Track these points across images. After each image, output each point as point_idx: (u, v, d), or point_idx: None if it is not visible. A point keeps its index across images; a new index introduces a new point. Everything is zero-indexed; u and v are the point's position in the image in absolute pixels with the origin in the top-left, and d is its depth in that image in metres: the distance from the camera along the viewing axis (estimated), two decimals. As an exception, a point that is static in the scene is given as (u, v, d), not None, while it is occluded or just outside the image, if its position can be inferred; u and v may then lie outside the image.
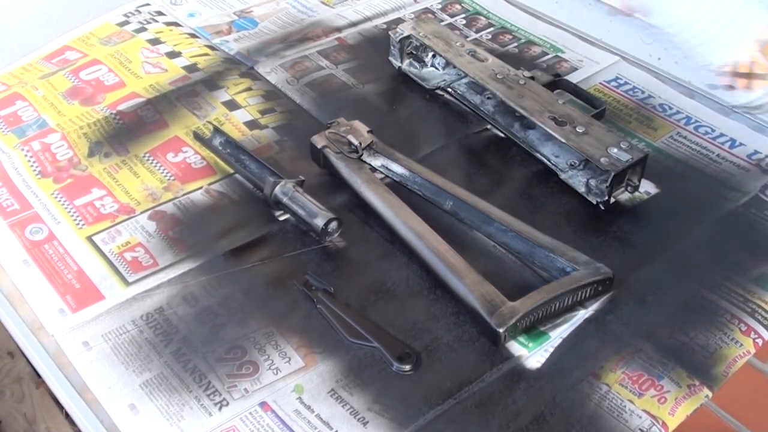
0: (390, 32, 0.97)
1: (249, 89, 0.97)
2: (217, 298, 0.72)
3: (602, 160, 0.79)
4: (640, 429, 0.63)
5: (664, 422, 0.64)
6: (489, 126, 0.91)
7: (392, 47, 0.97)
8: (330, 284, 0.72)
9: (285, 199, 0.78)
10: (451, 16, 1.11)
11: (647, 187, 0.83)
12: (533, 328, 0.70)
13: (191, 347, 0.68)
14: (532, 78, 0.90)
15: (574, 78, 0.97)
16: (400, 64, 0.97)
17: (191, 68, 0.99)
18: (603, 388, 0.66)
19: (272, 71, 0.99)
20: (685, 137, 0.90)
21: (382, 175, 0.83)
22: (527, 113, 0.85)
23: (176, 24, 1.08)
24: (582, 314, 0.71)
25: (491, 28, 1.08)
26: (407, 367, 0.66)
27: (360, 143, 0.82)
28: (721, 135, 0.90)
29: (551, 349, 0.69)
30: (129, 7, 1.11)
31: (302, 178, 0.80)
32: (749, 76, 0.54)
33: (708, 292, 0.73)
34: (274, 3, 1.12)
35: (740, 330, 0.70)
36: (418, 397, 0.65)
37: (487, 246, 0.77)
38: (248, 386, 0.65)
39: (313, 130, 0.85)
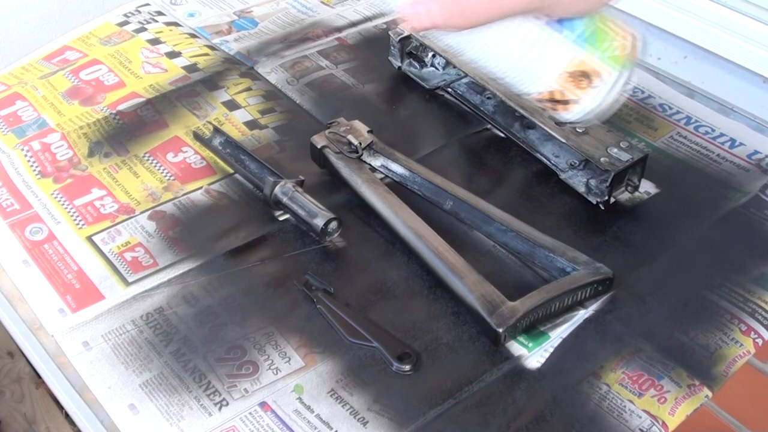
0: (390, 32, 0.97)
1: (249, 89, 0.97)
2: (217, 298, 0.72)
3: (602, 160, 0.79)
4: (640, 429, 0.63)
5: (664, 422, 0.64)
6: (489, 126, 0.91)
7: (392, 47, 0.97)
8: (330, 284, 0.72)
9: (285, 199, 0.78)
10: (451, 16, 1.10)
11: (647, 187, 0.83)
12: (533, 328, 0.70)
13: (191, 347, 0.68)
14: (532, 78, 0.90)
15: (574, 78, 0.97)
16: (400, 64, 0.97)
17: (191, 68, 0.99)
18: (603, 388, 0.66)
19: (272, 71, 0.99)
20: (685, 137, 0.90)
21: (382, 175, 0.83)
22: (527, 113, 0.85)
23: (176, 24, 1.08)
24: (582, 314, 0.71)
25: (491, 28, 1.08)
26: (407, 367, 0.66)
27: (360, 143, 0.82)
28: (721, 135, 0.90)
29: (551, 349, 0.69)
30: (129, 7, 1.11)
31: (302, 178, 0.80)
32: (565, 102, 0.58)
33: (708, 292, 0.73)
34: (274, 3, 1.12)
35: (740, 330, 0.70)
36: (418, 397, 0.65)
37: (487, 246, 0.77)
38: (248, 386, 0.66)
39: (313, 130, 0.85)
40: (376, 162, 0.83)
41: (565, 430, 0.63)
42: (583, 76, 0.57)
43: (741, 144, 0.89)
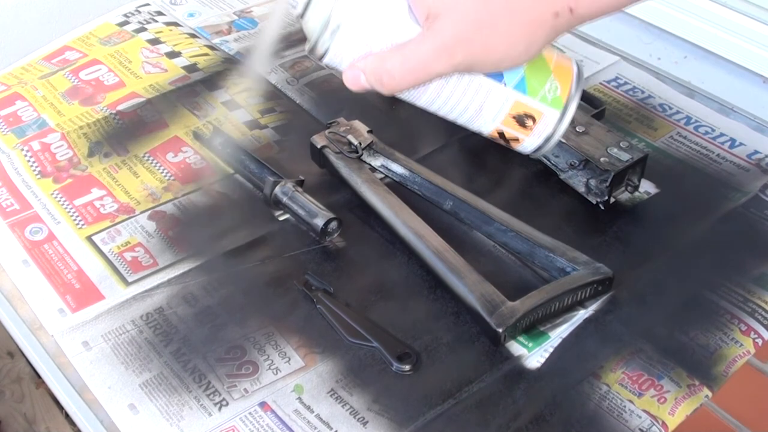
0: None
1: (249, 89, 0.96)
2: (217, 298, 0.72)
3: (602, 160, 0.79)
4: (640, 429, 0.63)
5: (664, 422, 0.64)
6: (489, 126, 0.91)
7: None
8: (330, 284, 0.72)
9: (285, 199, 0.78)
10: (451, 16, 1.10)
11: (647, 187, 0.83)
12: (533, 328, 0.70)
13: (191, 347, 0.68)
14: (532, 78, 0.90)
15: (574, 78, 0.97)
16: (400, 64, 0.97)
17: (191, 68, 0.99)
18: (603, 388, 0.66)
19: (272, 71, 0.99)
20: (685, 137, 0.90)
21: (382, 175, 0.83)
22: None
23: (176, 24, 1.08)
24: (582, 314, 0.71)
25: (491, 28, 1.08)
26: (407, 367, 0.66)
27: (360, 143, 0.82)
28: (721, 135, 0.90)
29: (551, 349, 0.69)
30: (129, 7, 1.11)
31: (302, 178, 0.80)
32: (515, 140, 0.61)
33: (708, 292, 0.73)
34: (274, 3, 1.12)
35: (740, 330, 0.70)
36: (418, 397, 0.65)
37: (487, 246, 0.77)
38: (248, 386, 0.66)
39: (313, 130, 0.85)
40: (376, 162, 0.83)
41: (565, 430, 0.63)
42: (526, 117, 0.60)
43: (741, 144, 0.89)
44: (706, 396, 0.66)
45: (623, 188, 0.81)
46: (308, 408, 0.64)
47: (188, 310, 0.71)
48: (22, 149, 0.88)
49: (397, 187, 0.81)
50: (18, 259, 0.76)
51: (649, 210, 0.82)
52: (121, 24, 1.07)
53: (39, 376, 0.78)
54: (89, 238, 0.78)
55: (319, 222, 0.75)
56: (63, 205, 0.81)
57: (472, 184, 0.82)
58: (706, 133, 0.91)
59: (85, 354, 0.68)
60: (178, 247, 0.77)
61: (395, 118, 0.93)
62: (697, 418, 0.65)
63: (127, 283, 0.74)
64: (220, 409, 0.64)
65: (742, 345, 0.69)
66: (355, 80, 0.58)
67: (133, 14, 1.10)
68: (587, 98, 0.91)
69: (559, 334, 0.70)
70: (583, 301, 0.72)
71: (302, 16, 0.58)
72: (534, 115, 0.60)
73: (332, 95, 0.96)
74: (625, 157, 0.79)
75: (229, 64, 1.00)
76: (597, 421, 0.64)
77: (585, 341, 0.69)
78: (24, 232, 0.79)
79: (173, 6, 1.12)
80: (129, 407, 0.64)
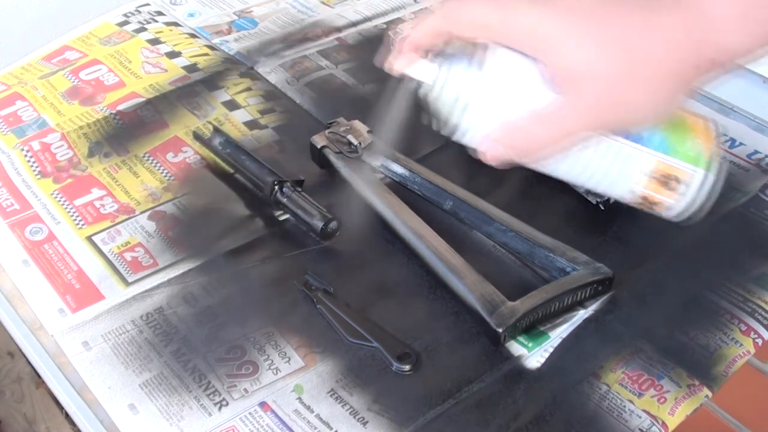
0: (390, 32, 0.97)
1: (249, 89, 0.97)
2: (217, 298, 0.72)
3: (602, 160, 0.79)
4: (639, 429, 0.63)
5: (664, 422, 0.64)
6: (489, 126, 0.91)
7: (392, 47, 0.97)
8: (330, 284, 0.72)
9: (285, 199, 0.78)
10: (451, 16, 1.10)
11: (647, 187, 0.83)
12: (533, 328, 0.70)
13: (191, 347, 0.68)
14: (532, 78, 0.90)
15: (574, 78, 0.97)
16: (400, 64, 0.97)
17: (191, 68, 0.99)
18: (603, 388, 0.66)
19: (272, 71, 1.00)
20: (685, 137, 0.90)
21: (382, 175, 0.83)
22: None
23: (176, 24, 1.08)
24: (582, 314, 0.71)
25: (491, 28, 1.08)
26: (407, 367, 0.66)
27: (360, 143, 0.82)
28: (721, 135, 0.90)
29: (551, 349, 0.69)
30: (129, 7, 1.11)
31: (302, 178, 0.80)
32: (659, 204, 0.60)
33: (708, 292, 0.73)
34: (274, 3, 1.12)
35: (740, 330, 0.70)
36: (418, 397, 0.65)
37: (487, 246, 0.77)
38: (248, 386, 0.66)
39: (313, 130, 0.85)
40: (376, 162, 0.83)
41: (564, 430, 0.63)
42: (668, 179, 0.58)
43: (741, 144, 0.89)
44: (706, 396, 0.66)
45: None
46: (308, 408, 0.64)
47: (188, 310, 0.71)
48: (22, 149, 0.88)
49: (397, 187, 0.81)
50: (18, 259, 0.76)
51: (649, 210, 0.81)
52: (121, 24, 1.07)
53: (39, 376, 0.78)
54: (89, 238, 0.78)
55: (319, 222, 0.75)
56: (63, 205, 0.81)
57: (472, 184, 0.82)
58: (706, 133, 0.90)
59: (85, 354, 0.68)
60: (178, 247, 0.77)
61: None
62: (697, 418, 0.65)
63: (127, 283, 0.74)
64: (220, 409, 0.64)
65: (742, 345, 0.69)
66: (492, 152, 0.57)
67: (133, 14, 1.10)
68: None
69: (559, 334, 0.70)
70: (583, 301, 0.72)
71: (432, 94, 0.58)
72: (678, 175, 0.58)
73: (332, 95, 0.96)
74: (625, 157, 0.79)
75: (229, 64, 1.00)
76: (597, 421, 0.64)
77: (585, 341, 0.69)
78: (24, 232, 0.79)
79: (173, 6, 1.12)
80: (129, 407, 0.64)
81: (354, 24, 1.08)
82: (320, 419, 0.64)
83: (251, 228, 0.79)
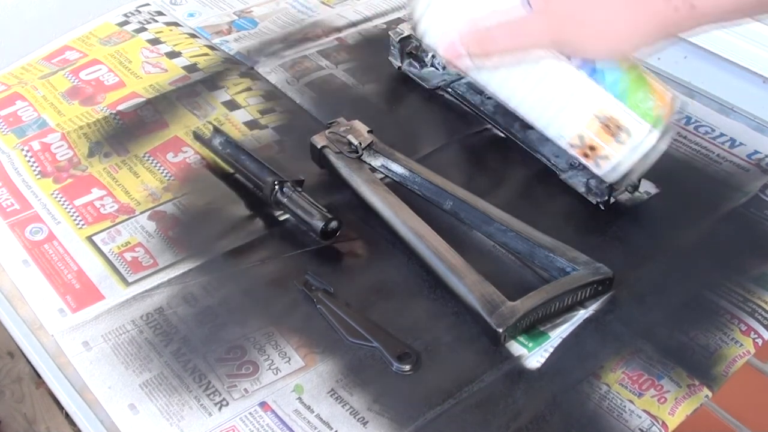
0: (390, 32, 0.97)
1: (249, 89, 0.97)
2: (217, 298, 0.72)
3: (602, 160, 0.79)
4: (640, 429, 0.63)
5: (664, 422, 0.64)
6: (489, 126, 0.91)
7: (392, 47, 0.97)
8: (330, 284, 0.72)
9: (285, 200, 0.78)
10: (451, 16, 1.11)
11: (647, 187, 0.83)
12: (533, 328, 0.70)
13: (191, 347, 0.68)
14: (532, 78, 0.90)
15: (574, 78, 0.97)
16: (400, 64, 0.97)
17: (191, 68, 0.99)
18: (603, 388, 0.66)
19: (272, 71, 0.99)
20: (685, 137, 0.90)
21: (382, 175, 0.83)
22: (527, 113, 0.85)
23: (176, 24, 1.08)
24: (582, 314, 0.71)
25: (491, 28, 1.08)
26: (407, 367, 0.66)
27: (360, 143, 0.82)
28: (721, 135, 0.90)
29: (551, 349, 0.69)
30: (129, 7, 1.11)
31: (302, 178, 0.80)
32: (593, 149, 0.59)
33: (708, 292, 0.74)
34: (274, 3, 1.12)
35: (740, 330, 0.70)
36: (418, 397, 0.65)
37: (487, 246, 0.77)
38: (248, 386, 0.66)
39: (313, 130, 0.85)
40: (376, 162, 0.83)
41: (565, 430, 0.63)
42: (611, 125, 0.57)
43: (741, 144, 0.89)
44: (706, 396, 0.66)
45: (623, 188, 0.81)
46: (308, 408, 0.64)
47: (188, 310, 0.71)
48: (22, 149, 0.88)
49: (397, 187, 0.81)
50: (18, 259, 0.76)
51: (649, 210, 0.82)
52: (121, 24, 1.07)
53: (39, 376, 0.78)
54: (89, 238, 0.78)
55: (319, 222, 0.75)
56: (63, 205, 0.81)
57: (472, 184, 0.82)
58: (706, 133, 0.91)
59: (85, 354, 0.68)
60: (178, 247, 0.77)
61: (395, 118, 0.93)
62: (697, 418, 0.65)
63: (127, 283, 0.74)
64: (220, 409, 0.64)
65: (742, 345, 0.69)
66: (449, 46, 0.57)
67: (133, 14, 1.10)
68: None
69: (559, 334, 0.70)
70: (583, 301, 0.72)
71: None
72: (623, 122, 0.56)
73: (332, 95, 0.96)
74: (625, 157, 0.79)
75: (229, 64, 1.00)
76: (597, 421, 0.64)
77: (585, 341, 0.69)
78: (24, 232, 0.79)
79: (173, 6, 1.12)
80: (129, 407, 0.64)
81: (354, 24, 1.08)
82: (320, 419, 0.64)
83: (251, 228, 0.79)
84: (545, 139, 0.86)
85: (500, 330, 0.67)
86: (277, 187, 0.78)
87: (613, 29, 0.53)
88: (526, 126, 0.87)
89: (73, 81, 0.97)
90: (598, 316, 0.71)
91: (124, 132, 0.90)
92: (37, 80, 0.98)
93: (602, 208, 0.81)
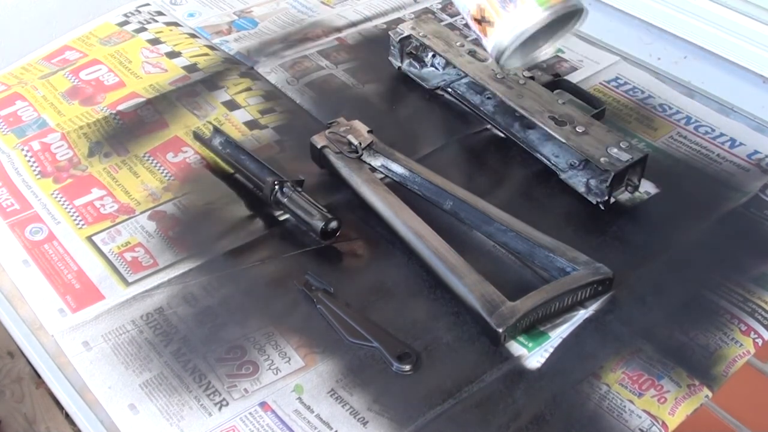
0: (390, 32, 0.97)
1: (249, 89, 0.97)
2: (217, 298, 0.72)
3: (602, 160, 0.79)
4: (640, 429, 0.63)
5: (664, 422, 0.64)
6: (489, 126, 0.91)
7: (392, 47, 0.97)
8: (330, 284, 0.72)
9: (285, 200, 0.78)
10: (451, 16, 1.11)
11: (647, 187, 0.83)
12: (533, 328, 0.70)
13: (191, 347, 0.68)
14: (532, 78, 0.90)
15: (574, 78, 0.97)
16: (400, 64, 0.97)
17: (191, 68, 0.99)
18: (603, 388, 0.66)
19: (272, 71, 0.99)
20: (685, 137, 0.90)
21: (382, 175, 0.83)
22: (527, 113, 0.85)
23: (176, 24, 1.08)
24: (582, 314, 0.71)
25: (491, 28, 1.08)
26: (407, 367, 0.66)
27: (360, 143, 0.82)
28: (721, 135, 0.90)
29: (551, 349, 0.69)
30: (129, 7, 1.11)
31: (302, 178, 0.80)
32: (487, 23, 0.62)
33: (708, 292, 0.73)
34: (274, 3, 1.12)
35: (740, 330, 0.70)
36: (418, 397, 0.65)
37: (487, 246, 0.77)
38: (248, 386, 0.66)
39: (313, 130, 0.85)
40: (376, 162, 0.83)
41: (565, 430, 0.63)
42: None
43: (741, 144, 0.89)
44: (706, 396, 0.66)
45: (623, 188, 0.81)
46: (308, 408, 0.64)
47: (188, 310, 0.71)
48: (22, 149, 0.88)
49: (397, 187, 0.81)
50: (18, 259, 0.76)
51: (649, 210, 0.82)
52: (121, 24, 1.07)
53: (39, 376, 0.78)
54: (89, 238, 0.78)
55: (319, 222, 0.75)
56: (63, 205, 0.81)
57: (472, 184, 0.82)
58: (706, 133, 0.91)
59: (85, 354, 0.68)
60: (178, 247, 0.77)
61: (395, 118, 0.93)
62: (697, 418, 0.65)
63: (127, 283, 0.74)
64: (220, 409, 0.64)
65: (742, 345, 0.69)
66: None
67: (133, 14, 1.10)
68: (587, 98, 0.91)
69: (559, 334, 0.70)
70: (583, 301, 0.72)
71: None
72: None
73: (332, 95, 0.96)
74: (625, 157, 0.79)
75: (229, 64, 1.00)
76: (597, 421, 0.64)
77: (585, 341, 0.69)
78: (24, 232, 0.79)
79: (173, 6, 1.12)
80: (129, 407, 0.64)
81: (354, 24, 1.08)
82: (320, 419, 0.63)
83: (251, 228, 0.79)
84: (545, 139, 0.86)
85: (500, 330, 0.67)
86: (277, 187, 0.78)
87: None
88: (526, 126, 0.88)
89: (73, 81, 0.97)
90: (598, 316, 0.71)
91: (124, 132, 0.90)
92: (37, 80, 0.98)
93: (602, 208, 0.81)
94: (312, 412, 0.64)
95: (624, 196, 0.82)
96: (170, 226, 0.79)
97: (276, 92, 0.97)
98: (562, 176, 0.83)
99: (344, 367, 0.67)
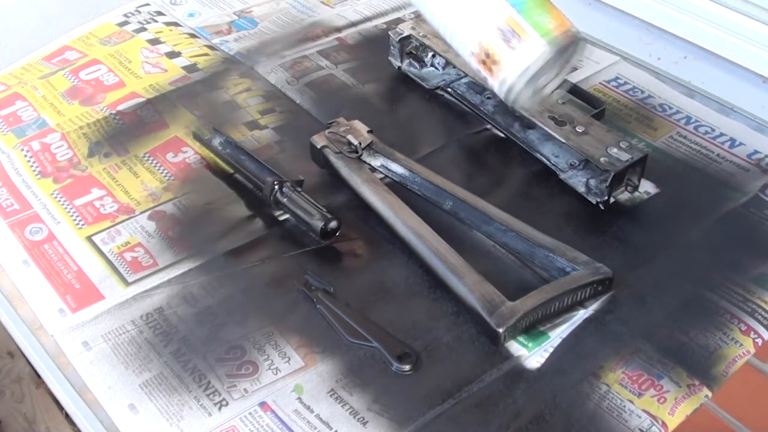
0: (390, 32, 0.97)
1: (249, 89, 0.97)
2: (217, 298, 0.72)
3: (602, 159, 0.79)
4: (639, 429, 0.63)
5: (663, 422, 0.64)
6: (489, 126, 0.91)
7: (392, 47, 0.97)
8: (330, 284, 0.72)
9: (284, 200, 0.78)
10: (451, 16, 1.11)
11: (647, 187, 0.83)
12: (533, 328, 0.70)
13: (191, 347, 0.68)
14: (532, 78, 0.90)
15: (573, 78, 0.97)
16: (400, 64, 0.97)
17: (191, 68, 0.99)
18: (603, 388, 0.66)
19: (272, 71, 0.99)
20: (685, 137, 0.90)
21: (382, 175, 0.83)
22: (527, 113, 0.85)
23: (176, 24, 1.08)
24: (582, 314, 0.71)
25: (491, 28, 1.08)
26: (407, 367, 0.66)
27: (360, 143, 0.82)
28: (721, 135, 0.90)
29: (551, 349, 0.69)
30: (129, 7, 1.11)
31: (302, 178, 0.80)
32: (493, 62, 0.62)
33: (708, 292, 0.73)
34: (274, 3, 1.12)
35: (740, 330, 0.70)
36: (418, 397, 0.65)
37: (487, 246, 0.77)
38: (248, 386, 0.66)
39: (313, 130, 0.85)
40: (376, 162, 0.83)
41: (564, 430, 0.63)
42: (510, 34, 0.61)
43: (741, 144, 0.89)
44: (706, 396, 0.66)
45: (623, 188, 0.81)
46: (308, 408, 0.64)
47: (188, 310, 0.71)
48: (22, 149, 0.88)
49: (397, 187, 0.81)
50: (18, 259, 0.76)
51: (649, 210, 0.82)
52: (121, 24, 1.07)
53: (39, 376, 0.78)
54: (89, 238, 0.78)
55: (319, 222, 0.75)
56: (63, 205, 0.81)
57: (472, 184, 0.82)
58: (706, 133, 0.91)
59: (85, 354, 0.68)
60: (178, 247, 0.77)
61: (395, 118, 0.93)
62: (697, 418, 0.65)
63: (127, 283, 0.74)
64: (220, 409, 0.64)
65: (742, 345, 0.69)
66: None
67: (133, 14, 1.10)
68: (587, 98, 0.91)
69: (559, 334, 0.70)
70: (583, 301, 0.72)
71: None
72: (521, 34, 0.61)
73: (332, 95, 0.96)
74: (625, 157, 0.79)
75: (229, 64, 1.00)
76: (597, 421, 0.64)
77: (585, 341, 0.69)
78: (24, 232, 0.79)
79: (173, 6, 1.12)
80: (129, 407, 0.64)
81: (354, 24, 1.08)
82: (320, 419, 0.63)
83: (251, 228, 0.79)
84: (545, 139, 0.86)
85: (500, 330, 0.67)
86: (276, 187, 0.78)
87: None
88: (526, 126, 0.87)
89: (73, 81, 0.97)
90: (598, 316, 0.71)
91: (124, 132, 0.90)
92: (37, 80, 0.98)
93: (602, 208, 0.81)
94: (312, 412, 0.64)
95: (624, 196, 0.82)
96: (170, 226, 0.79)
97: (276, 92, 0.97)
98: (562, 176, 0.83)
99: (344, 367, 0.67)
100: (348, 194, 0.81)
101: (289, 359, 0.67)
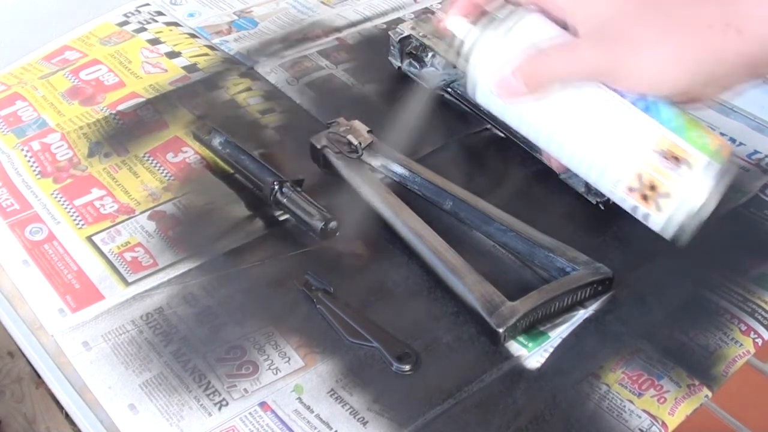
0: (390, 32, 0.97)
1: (249, 89, 0.97)
2: (217, 298, 0.72)
3: (602, 160, 0.79)
4: (639, 429, 0.63)
5: (663, 422, 0.64)
6: (489, 126, 0.91)
7: (392, 47, 0.97)
8: (330, 284, 0.72)
9: (284, 200, 0.78)
10: (451, 16, 1.10)
11: (647, 187, 0.83)
12: (533, 328, 0.70)
13: (191, 347, 0.68)
14: (532, 78, 0.90)
15: (574, 78, 0.96)
16: (400, 64, 0.97)
17: (191, 68, 0.99)
18: (603, 388, 0.66)
19: (272, 71, 0.99)
20: (685, 137, 0.90)
21: (382, 175, 0.83)
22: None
23: (176, 24, 1.08)
24: (582, 314, 0.71)
25: (491, 28, 1.08)
26: (407, 367, 0.66)
27: (360, 143, 0.82)
28: (721, 135, 0.90)
29: (551, 349, 0.69)
30: (129, 7, 1.11)
31: (302, 178, 0.80)
32: (653, 189, 0.55)
33: (708, 292, 0.74)
34: (274, 3, 1.12)
35: (740, 330, 0.70)
36: (418, 397, 0.65)
37: (487, 246, 0.77)
38: (248, 386, 0.66)
39: (313, 130, 0.85)
40: (376, 162, 0.83)
41: (564, 430, 0.63)
42: (671, 158, 0.53)
43: (741, 144, 0.89)
44: (706, 396, 0.66)
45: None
46: (308, 408, 0.64)
47: (188, 310, 0.71)
48: (22, 149, 0.88)
49: (397, 187, 0.81)
50: (18, 259, 0.76)
51: (649, 210, 0.81)
52: (121, 24, 1.07)
53: (39, 376, 0.78)
54: (89, 238, 0.78)
55: (319, 222, 0.75)
56: (63, 205, 0.81)
57: (472, 184, 0.82)
58: (706, 133, 0.90)
59: (85, 354, 0.68)
60: (178, 247, 0.77)
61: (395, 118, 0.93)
62: (697, 418, 0.65)
63: (127, 283, 0.74)
64: (220, 409, 0.64)
65: (742, 345, 0.69)
66: (503, 81, 0.57)
67: (133, 14, 1.10)
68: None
69: (559, 334, 0.70)
70: (583, 301, 0.72)
71: (464, 52, 0.59)
72: (688, 158, 0.52)
73: (332, 95, 0.96)
74: (625, 157, 0.79)
75: (229, 64, 1.00)
76: (597, 421, 0.64)
77: (585, 341, 0.69)
78: (24, 232, 0.79)
79: (173, 6, 1.12)
80: (129, 407, 0.64)
81: (354, 24, 1.08)
82: (320, 419, 0.64)
83: (251, 228, 0.79)
84: (545, 139, 0.86)
85: (500, 330, 0.67)
86: (276, 187, 0.78)
87: (671, 65, 0.52)
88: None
89: (73, 81, 0.97)
90: (598, 316, 0.71)
91: (124, 132, 0.90)
92: (37, 80, 0.98)
93: (602, 208, 0.81)
94: (312, 412, 0.64)
95: (624, 196, 0.82)
96: (170, 226, 0.79)
97: (276, 92, 0.97)
98: (562, 176, 0.83)
99: (344, 367, 0.67)
100: (348, 194, 0.81)
101: (289, 359, 0.67)
